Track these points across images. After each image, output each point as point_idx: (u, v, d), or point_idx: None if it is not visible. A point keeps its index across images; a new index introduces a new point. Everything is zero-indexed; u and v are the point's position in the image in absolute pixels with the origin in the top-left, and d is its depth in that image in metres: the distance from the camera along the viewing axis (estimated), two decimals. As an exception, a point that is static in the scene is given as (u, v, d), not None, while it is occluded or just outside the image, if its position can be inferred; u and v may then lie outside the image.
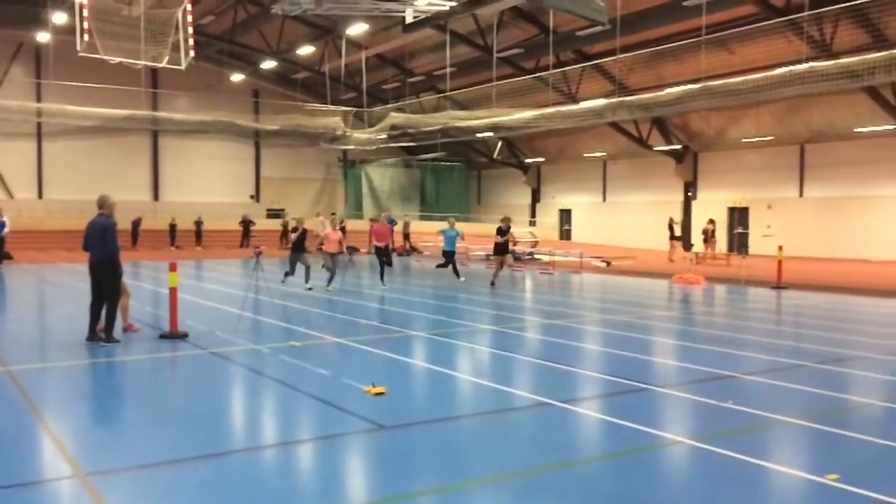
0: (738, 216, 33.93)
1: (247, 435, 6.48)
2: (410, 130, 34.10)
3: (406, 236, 34.67)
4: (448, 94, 33.24)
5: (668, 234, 29.67)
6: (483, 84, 30.72)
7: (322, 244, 18.36)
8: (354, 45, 34.42)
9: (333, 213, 38.78)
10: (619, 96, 26.44)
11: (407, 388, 8.12)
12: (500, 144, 42.89)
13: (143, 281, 20.33)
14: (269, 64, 37.95)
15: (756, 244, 31.55)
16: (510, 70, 32.00)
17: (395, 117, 33.02)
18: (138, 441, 6.06)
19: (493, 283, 18.80)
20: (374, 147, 39.30)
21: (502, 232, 18.76)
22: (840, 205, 29.86)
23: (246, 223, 38.57)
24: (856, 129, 27.88)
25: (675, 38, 25.52)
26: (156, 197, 42.32)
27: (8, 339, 11.13)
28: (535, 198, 45.36)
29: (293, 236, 18.07)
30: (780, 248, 20.10)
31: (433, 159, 45.04)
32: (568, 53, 31.15)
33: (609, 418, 6.83)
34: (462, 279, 19.18)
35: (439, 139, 35.88)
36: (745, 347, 10.51)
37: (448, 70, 31.92)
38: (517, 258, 27.20)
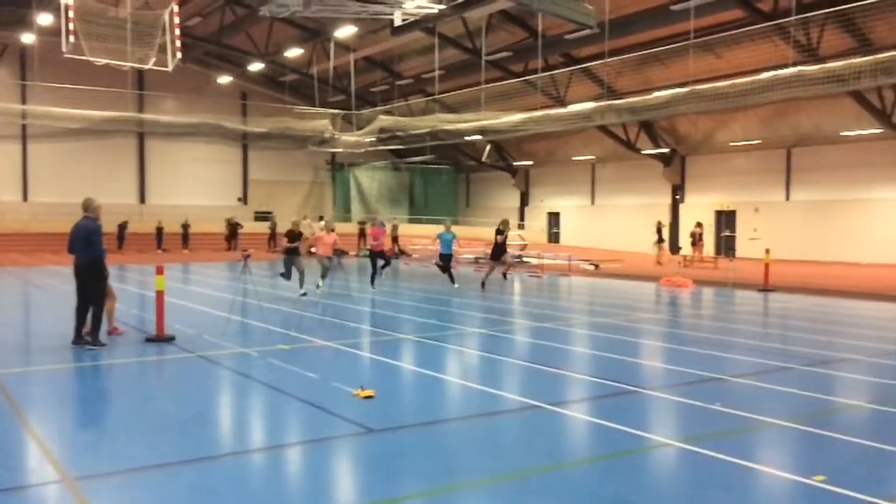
0: (726, 219, 34.11)
1: (235, 439, 6.44)
2: (399, 133, 34.08)
3: (395, 239, 34.60)
4: (437, 97, 33.24)
5: (655, 237, 29.82)
6: (472, 87, 30.77)
7: (312, 247, 18.16)
8: (343, 47, 34.38)
9: (321, 217, 38.73)
10: (608, 100, 26.52)
11: (396, 392, 8.10)
12: (488, 147, 42.93)
13: (129, 284, 20.20)
14: (256, 66, 37.81)
15: (743, 247, 31.73)
16: (499, 73, 32.06)
17: (384, 120, 33.00)
18: (125, 445, 6.01)
19: (483, 285, 18.78)
20: (363, 150, 39.24)
21: (500, 232, 18.69)
22: (826, 208, 30.09)
23: (233, 226, 38.42)
24: (842, 133, 28.11)
25: (663, 42, 25.65)
26: (142, 200, 42.10)
27: (-8, 343, 11.01)
28: (524, 201, 45.44)
29: (285, 241, 17.40)
30: (767, 251, 20.22)
31: (422, 162, 45.04)
32: (556, 57, 31.24)
33: (598, 421, 6.84)
34: (456, 285, 18.80)
35: (428, 142, 35.86)
36: (733, 350, 10.56)
37: (437, 73, 31.95)
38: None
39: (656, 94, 24.10)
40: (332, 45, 33.55)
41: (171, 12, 20.21)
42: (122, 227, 35.05)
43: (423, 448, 6.03)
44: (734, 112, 29.90)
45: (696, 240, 29.10)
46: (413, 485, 5.21)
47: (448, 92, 33.58)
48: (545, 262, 27.30)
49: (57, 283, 19.67)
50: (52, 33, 25.21)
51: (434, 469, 5.53)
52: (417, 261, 29.71)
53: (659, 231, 29.72)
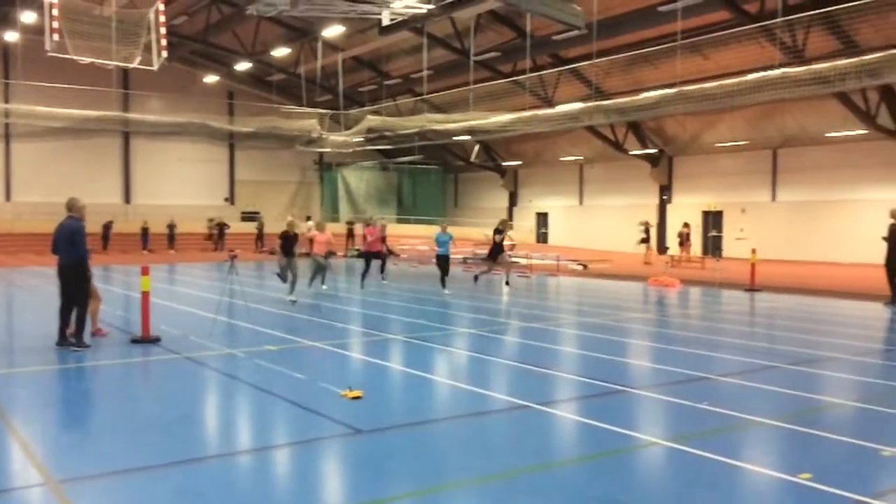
0: (713, 220, 34.29)
1: (221, 440, 6.40)
2: (387, 133, 34.03)
3: (383, 239, 34.51)
4: (425, 97, 33.22)
5: (639, 237, 30.05)
6: (460, 87, 30.75)
7: (306, 250, 17.65)
8: (330, 47, 34.29)
9: (308, 217, 38.63)
10: (596, 100, 26.59)
11: (384, 392, 8.07)
12: (477, 148, 42.95)
13: (114, 285, 20.06)
14: (243, 65, 37.64)
15: (730, 247, 31.89)
16: (487, 73, 32.07)
17: (372, 120, 32.94)
18: (110, 447, 5.96)
19: (476, 278, 19.08)
20: (351, 150, 39.16)
21: (499, 232, 18.54)
22: (812, 208, 30.30)
23: (220, 226, 38.24)
24: (827, 134, 28.31)
25: (650, 43, 25.73)
26: (127, 199, 41.82)
27: (-24, 344, 10.90)
28: (513, 201, 45.49)
29: (279, 243, 16.69)
30: (754, 251, 20.33)
31: (410, 162, 45.00)
32: (545, 57, 31.29)
33: (586, 420, 6.84)
34: (447, 291, 17.97)
35: (416, 142, 35.83)
36: (720, 349, 10.60)
37: (425, 73, 31.93)
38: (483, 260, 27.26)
39: (644, 94, 24.18)
40: (319, 45, 33.43)
41: (157, 11, 20.08)
42: (107, 227, 34.81)
43: (411, 448, 6.02)
44: (721, 113, 30.05)
45: (684, 240, 29.26)
46: (401, 485, 5.20)
47: (436, 92, 33.55)
48: (534, 262, 27.34)
49: (41, 284, 19.51)
50: (36, 31, 24.99)
51: (422, 469, 5.52)
52: (406, 261, 29.67)
53: (647, 231, 29.86)
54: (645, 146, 35.16)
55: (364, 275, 18.81)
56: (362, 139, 35.42)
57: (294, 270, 16.09)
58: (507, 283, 18.82)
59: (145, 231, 36.60)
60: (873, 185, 28.19)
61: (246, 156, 44.72)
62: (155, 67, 20.63)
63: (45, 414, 7.17)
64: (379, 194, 48.98)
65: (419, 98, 34.63)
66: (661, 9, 24.51)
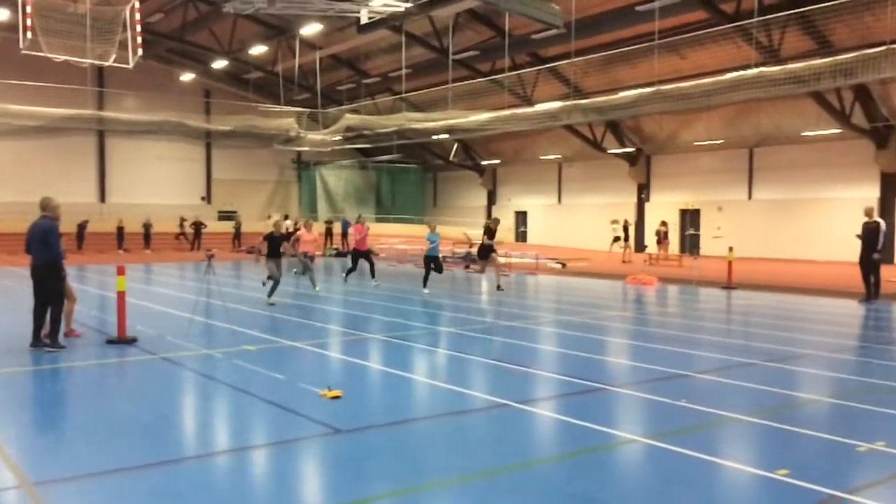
0: (690, 218, 34.57)
1: (199, 441, 6.34)
2: (366, 132, 33.93)
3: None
4: (404, 95, 33.16)
5: (612, 235, 30.36)
6: (439, 86, 30.75)
7: (292, 251, 17.22)
8: (308, 45, 34.11)
9: (286, 216, 38.40)
10: (574, 99, 26.69)
11: (364, 392, 8.04)
12: (455, 146, 42.96)
13: (89, 285, 19.82)
14: (220, 63, 37.36)
15: (707, 245, 32.17)
16: (466, 72, 32.08)
17: (350, 119, 32.82)
18: (86, 449, 5.88)
19: (499, 287, 17.85)
20: (329, 149, 38.99)
21: (490, 231, 18.00)
22: (787, 207, 30.64)
23: (197, 225, 37.87)
24: (803, 134, 28.64)
25: (628, 43, 25.88)
26: (102, 199, 41.31)
27: (-53, 346, 10.70)
28: (491, 200, 45.56)
29: (265, 245, 15.81)
30: (731, 249, 20.52)
31: (389, 161, 44.90)
32: (523, 56, 31.36)
33: (566, 418, 6.86)
34: (427, 291, 17.63)
35: (395, 141, 35.77)
36: (698, 347, 10.68)
37: (403, 72, 31.87)
38: (473, 260, 27.27)
39: (622, 94, 24.32)
40: (297, 43, 33.26)
41: (132, 8, 19.87)
42: (82, 226, 34.37)
43: (391, 448, 5.99)
44: (698, 112, 30.29)
45: (662, 238, 29.48)
46: (381, 485, 5.17)
47: (415, 91, 33.53)
48: (513, 260, 27.38)
49: (14, 284, 19.22)
50: (9, 29, 24.61)
51: (403, 469, 5.50)
52: (385, 260, 29.60)
53: (625, 229, 30.06)
54: (623, 145, 35.37)
55: (350, 271, 18.62)
56: (341, 138, 35.28)
57: (275, 274, 15.51)
58: (499, 287, 17.84)
59: (121, 230, 36.17)
60: (847, 184, 28.57)
61: (223, 154, 44.37)
62: (130, 65, 20.43)
63: (20, 416, 7.06)
64: (357, 193, 48.84)
65: (398, 97, 34.57)
66: (638, 8, 24.67)
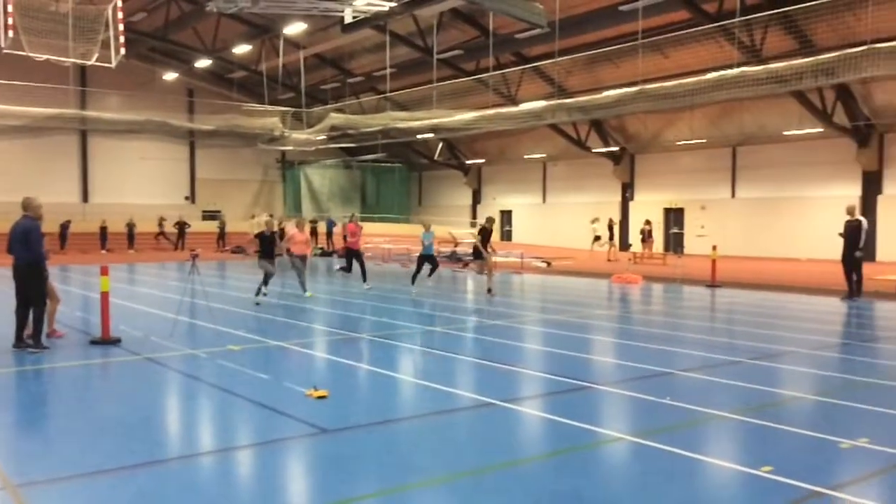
0: (674, 217, 34.76)
1: (184, 442, 6.30)
2: (350, 131, 33.86)
3: (345, 238, 34.37)
4: (388, 95, 33.12)
5: (597, 235, 30.52)
6: (423, 85, 30.73)
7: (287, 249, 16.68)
8: (292, 44, 33.99)
9: (271, 215, 38.20)
10: (558, 98, 26.78)
11: (349, 391, 8.03)
12: (440, 145, 42.95)
13: (72, 285, 19.65)
14: (203, 63, 37.16)
15: (691, 244, 32.39)
16: (450, 72, 32.10)
17: (335, 118, 32.75)
18: (70, 451, 5.83)
19: (489, 290, 17.09)
20: (314, 148, 38.89)
21: (487, 231, 17.43)
22: (770, 205, 30.88)
23: (180, 225, 37.61)
24: (785, 133, 28.87)
25: (612, 42, 25.99)
26: (85, 199, 40.98)
27: (-73, 348, 10.58)
28: (476, 199, 45.61)
29: (256, 244, 15.60)
30: (714, 247, 20.65)
31: (373, 160, 44.83)
32: (507, 56, 31.42)
33: (552, 417, 6.88)
34: (415, 290, 17.32)
35: (380, 140, 35.74)
36: (682, 345, 10.74)
37: (388, 71, 31.82)
38: (458, 259, 27.30)
39: (606, 93, 24.41)
40: (281, 42, 33.12)
41: (115, 7, 19.71)
42: (65, 226, 34.08)
43: (377, 448, 5.98)
44: (681, 111, 30.48)
45: (646, 237, 29.65)
46: (368, 485, 5.17)
47: (399, 90, 33.52)
48: (498, 259, 27.38)
49: (-4, 286, 19.01)
50: (-11, 27, 24.31)
51: (389, 468, 5.49)
52: (370, 259, 29.53)
53: (610, 228, 30.20)
54: (607, 144, 35.51)
55: (344, 270, 18.00)
56: (325, 137, 35.20)
57: (269, 272, 15.24)
58: (489, 290, 17.10)
59: (104, 230, 35.90)
60: (829, 183, 28.84)
61: (207, 154, 44.13)
62: (113, 64, 20.26)
63: (2, 417, 6.97)
64: (342, 193, 48.73)
65: (382, 96, 34.53)
66: (622, 8, 24.78)
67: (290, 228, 17.27)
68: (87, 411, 7.15)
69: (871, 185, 27.88)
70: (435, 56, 29.55)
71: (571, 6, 25.30)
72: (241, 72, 39.39)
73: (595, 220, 31.57)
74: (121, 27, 19.89)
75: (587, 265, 25.97)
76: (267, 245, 15.31)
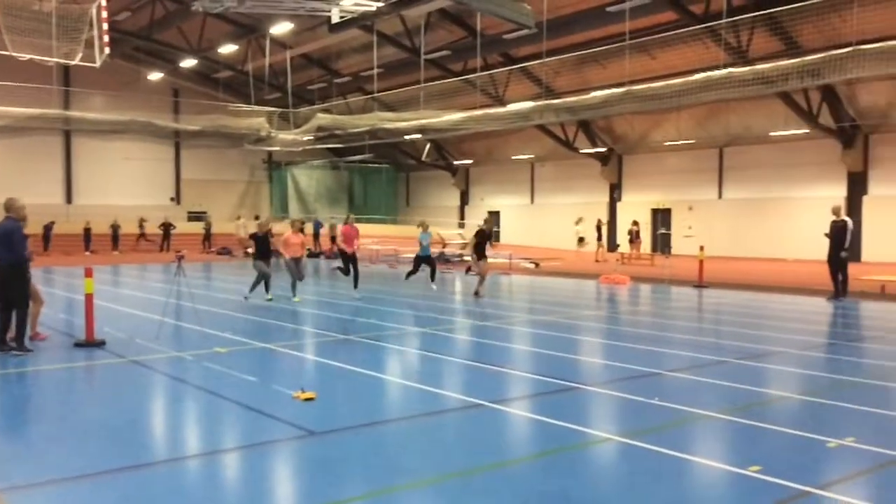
0: (661, 217, 34.87)
1: (170, 445, 6.23)
2: (337, 132, 33.75)
3: (333, 239, 34.31)
4: (375, 95, 33.06)
5: (581, 236, 30.61)
6: (411, 86, 30.69)
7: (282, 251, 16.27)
8: (279, 44, 33.85)
9: (257, 217, 38.04)
10: (546, 99, 26.79)
11: (337, 393, 7.98)
12: (428, 146, 42.90)
13: (56, 287, 19.46)
14: (189, 62, 36.92)
15: (678, 244, 32.47)
16: (438, 72, 32.06)
17: (322, 118, 32.63)
18: (54, 454, 5.75)
19: (476, 293, 16.89)
20: (301, 148, 38.73)
21: (484, 233, 17.10)
22: (757, 206, 31.04)
23: (166, 226, 37.32)
24: (771, 133, 29.02)
25: (599, 43, 26.05)
26: (69, 200, 40.64)
27: None
28: (464, 200, 45.60)
29: (252, 245, 15.44)
30: (702, 248, 20.72)
31: (361, 161, 44.70)
32: (495, 56, 31.42)
33: (540, 417, 6.86)
34: (434, 287, 17.29)
35: (367, 141, 35.64)
36: (670, 345, 10.76)
37: (375, 71, 31.76)
38: (447, 259, 27.27)
39: (593, 94, 24.44)
40: (267, 42, 32.98)
41: (99, 6, 19.53)
42: (48, 227, 33.76)
43: (365, 449, 5.94)
44: (668, 112, 30.58)
45: (634, 237, 29.72)
46: (356, 487, 5.13)
47: (387, 90, 33.45)
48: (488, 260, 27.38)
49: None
50: (-28, 26, 24.06)
51: (377, 470, 5.45)
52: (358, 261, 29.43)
53: (598, 229, 30.26)
54: (595, 145, 35.58)
55: (342, 271, 17.32)
56: (312, 138, 35.06)
57: (265, 273, 15.01)
58: (476, 292, 16.86)
59: (88, 232, 35.56)
60: (815, 183, 29.02)
61: (192, 154, 43.86)
62: (97, 64, 20.07)
63: (-17, 422, 6.90)
64: (329, 193, 48.59)
65: (370, 96, 34.46)
66: (609, 9, 24.83)
67: (285, 231, 16.56)
68: (71, 414, 7.06)
69: (857, 186, 28.08)
70: (422, 56, 29.51)
71: (559, 7, 25.33)
72: (226, 72, 39.19)
73: (579, 221, 31.69)
74: (105, 26, 19.70)
75: (575, 266, 26.00)
76: (261, 246, 15.09)
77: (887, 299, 16.73)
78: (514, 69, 30.52)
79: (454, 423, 6.84)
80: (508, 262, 26.77)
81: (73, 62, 20.73)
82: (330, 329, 12.33)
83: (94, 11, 19.63)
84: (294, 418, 6.64)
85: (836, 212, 16.55)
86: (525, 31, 24.20)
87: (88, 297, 10.45)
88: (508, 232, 42.42)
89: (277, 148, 39.34)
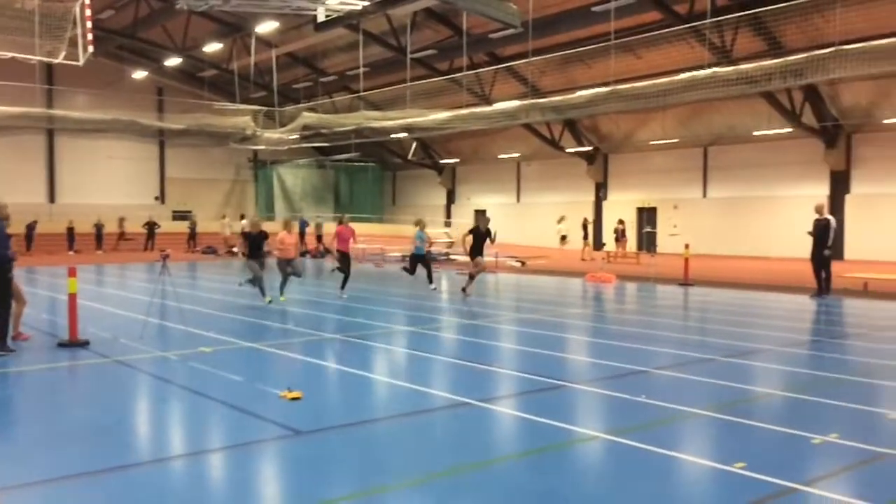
0: (647, 216, 35.02)
1: (156, 446, 6.18)
2: (323, 131, 33.66)
3: (318, 238, 34.23)
4: (361, 94, 32.98)
5: (563, 234, 30.69)
6: (397, 85, 30.64)
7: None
8: (264, 43, 33.70)
9: (242, 216, 37.91)
10: (532, 98, 26.84)
11: (324, 392, 7.96)
12: (414, 145, 42.88)
13: (39, 287, 19.28)
14: (173, 61, 36.66)
15: (663, 243, 32.64)
16: (424, 71, 32.05)
17: (308, 117, 32.51)
18: (39, 455, 5.69)
19: (463, 289, 16.60)
20: (286, 147, 38.56)
21: (480, 230, 16.61)
22: (741, 205, 31.25)
23: (150, 225, 37.05)
24: (755, 133, 29.22)
25: (585, 43, 26.10)
26: (52, 199, 40.28)
27: None
28: (451, 198, 45.61)
29: (244, 245, 15.00)
30: (687, 246, 20.83)
31: (347, 160, 44.63)
32: (481, 55, 31.44)
33: (527, 416, 6.87)
34: (433, 287, 17.26)
35: (353, 140, 35.57)
36: (656, 343, 10.80)
37: (361, 70, 31.68)
38: (433, 259, 27.24)
39: (579, 93, 24.49)
40: (253, 41, 32.84)
41: (82, 4, 19.36)
42: (31, 227, 33.45)
43: (353, 449, 5.93)
44: (654, 112, 30.71)
45: (619, 236, 29.84)
46: (343, 487, 5.11)
47: (373, 89, 33.39)
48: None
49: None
50: (-48, 23, 23.78)
51: (365, 470, 5.44)
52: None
53: (585, 228, 30.35)
54: (581, 144, 35.68)
55: (342, 271, 16.82)
56: (298, 137, 34.93)
57: (258, 274, 14.61)
58: (463, 289, 16.63)
59: (71, 231, 35.25)
60: (798, 182, 29.25)
61: (177, 153, 43.60)
62: (81, 63, 19.90)
63: (-35, 424, 6.82)
64: (315, 192, 48.45)
65: (356, 95, 34.38)
66: (594, 9, 24.90)
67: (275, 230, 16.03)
68: (55, 415, 7.00)
69: (839, 185, 28.32)
70: (408, 55, 29.47)
71: (544, 6, 25.37)
72: (212, 70, 38.97)
73: (561, 220, 31.78)
74: (88, 24, 19.54)
75: (561, 264, 26.08)
76: (254, 245, 14.67)
77: (870, 296, 16.90)
78: (500, 68, 30.55)
79: (441, 421, 6.84)
80: (495, 261, 26.79)
81: (56, 60, 20.53)
82: (317, 328, 12.29)
83: (77, 9, 19.45)
84: (280, 418, 6.62)
85: (819, 210, 16.68)
86: (511, 31, 24.24)
87: (72, 297, 10.36)
88: (494, 230, 42.39)
89: (263, 147, 39.16)
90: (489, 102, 30.60)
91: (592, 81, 26.54)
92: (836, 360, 9.84)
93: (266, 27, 28.20)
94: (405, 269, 18.04)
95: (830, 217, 16.73)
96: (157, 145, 43.24)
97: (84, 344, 10.22)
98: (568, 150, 36.08)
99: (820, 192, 27.98)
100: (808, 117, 27.19)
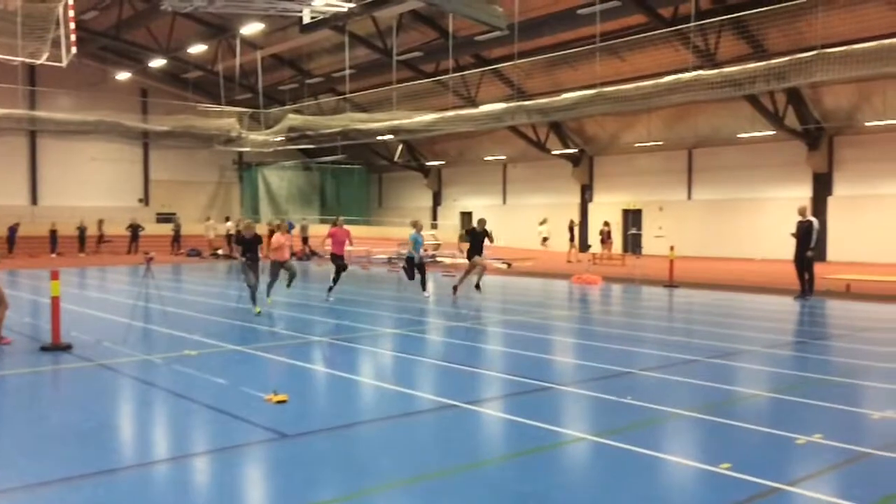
0: (632, 218, 35.15)
1: (139, 450, 6.14)
2: (309, 133, 33.55)
3: (305, 240, 34.12)
4: (347, 96, 32.92)
5: (545, 236, 30.79)
6: (383, 87, 30.62)
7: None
8: (249, 44, 33.58)
9: (227, 218, 37.73)
10: (517, 100, 26.88)
11: (310, 395, 7.92)
12: (400, 147, 42.86)
13: (21, 290, 19.08)
14: (158, 62, 36.46)
15: (649, 245, 32.75)
16: (410, 73, 32.04)
17: (293, 119, 32.39)
18: (20, 460, 5.63)
19: (454, 288, 16.85)
20: (272, 149, 38.40)
21: (478, 232, 16.61)
22: (725, 206, 31.45)
23: (134, 228, 36.76)
24: (738, 135, 29.42)
25: (570, 45, 26.18)
26: (34, 201, 39.92)
27: None
28: (437, 200, 45.60)
29: (238, 248, 14.49)
30: (672, 248, 20.94)
31: (333, 162, 44.52)
32: (467, 58, 31.46)
33: (514, 418, 6.87)
34: (427, 294, 16.81)
35: (339, 142, 35.47)
36: (642, 344, 10.85)
37: (347, 72, 31.66)
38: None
39: (564, 95, 24.57)
40: (238, 42, 32.71)
41: (65, 5, 19.21)
42: (13, 229, 33.13)
43: (339, 452, 5.90)
44: (638, 114, 30.86)
45: (605, 238, 29.94)
46: (329, 490, 5.10)
47: (359, 91, 33.33)
48: (459, 261, 27.41)
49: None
50: (-67, 24, 23.52)
51: (351, 473, 5.42)
52: (329, 262, 29.31)
53: (571, 230, 30.43)
54: (566, 146, 35.78)
55: (335, 281, 16.61)
56: (283, 138, 34.78)
57: (250, 280, 14.04)
58: (477, 286, 16.59)
59: (54, 234, 34.90)
60: (781, 184, 29.47)
61: (161, 155, 43.29)
62: (63, 64, 19.73)
63: (-55, 429, 6.73)
64: (301, 194, 48.30)
65: (341, 97, 34.31)
66: (580, 12, 24.98)
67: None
68: (37, 419, 6.92)
69: (822, 187, 28.56)
70: (394, 57, 29.46)
71: (530, 9, 25.44)
72: (196, 72, 38.75)
73: (543, 222, 31.87)
74: (72, 25, 19.39)
75: (547, 266, 26.13)
76: (250, 248, 14.16)
77: (852, 298, 17.04)
78: (486, 70, 30.60)
79: (428, 424, 6.83)
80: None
81: (38, 61, 20.36)
82: (302, 331, 12.25)
83: (60, 10, 19.30)
84: (266, 421, 6.58)
85: (802, 212, 16.80)
86: (497, 33, 24.29)
87: (55, 300, 10.26)
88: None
89: (248, 149, 38.96)
90: (475, 104, 30.62)
91: (578, 84, 26.61)
92: (819, 360, 9.92)
93: (251, 29, 28.11)
94: (404, 268, 17.85)
95: (813, 219, 16.85)
96: (141, 147, 42.93)
97: (67, 348, 10.12)
98: (554, 153, 36.18)
99: (803, 194, 28.20)
100: (791, 120, 27.41)
